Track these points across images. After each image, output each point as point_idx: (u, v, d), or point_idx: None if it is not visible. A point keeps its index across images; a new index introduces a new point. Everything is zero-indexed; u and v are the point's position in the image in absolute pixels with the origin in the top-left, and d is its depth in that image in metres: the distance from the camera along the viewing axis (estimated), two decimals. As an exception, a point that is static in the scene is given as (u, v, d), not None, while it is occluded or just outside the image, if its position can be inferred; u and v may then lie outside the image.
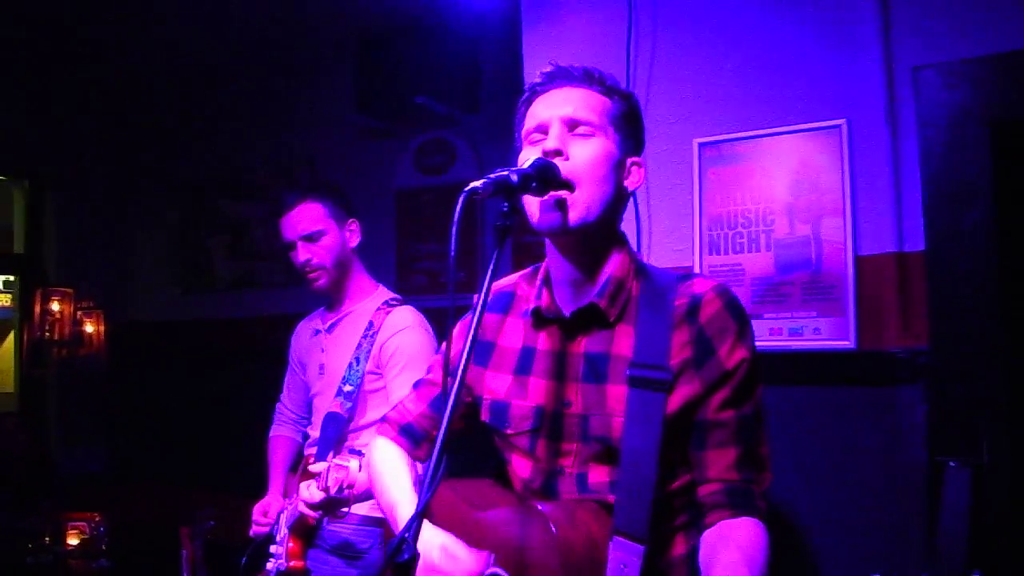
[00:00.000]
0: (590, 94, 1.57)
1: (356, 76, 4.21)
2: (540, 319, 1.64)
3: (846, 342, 2.19)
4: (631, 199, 1.68)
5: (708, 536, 1.45)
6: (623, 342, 1.54)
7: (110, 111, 5.34)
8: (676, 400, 1.48)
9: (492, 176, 1.37)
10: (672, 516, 1.53)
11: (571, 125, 1.54)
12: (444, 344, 1.77)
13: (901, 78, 2.20)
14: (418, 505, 1.11)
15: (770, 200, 2.31)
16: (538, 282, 1.66)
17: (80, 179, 5.41)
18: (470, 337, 1.28)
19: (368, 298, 2.81)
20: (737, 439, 1.49)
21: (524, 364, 1.64)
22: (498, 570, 1.50)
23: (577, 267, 1.59)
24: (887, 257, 2.18)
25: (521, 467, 1.65)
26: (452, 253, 1.26)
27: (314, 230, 2.72)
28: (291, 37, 4.54)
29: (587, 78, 1.59)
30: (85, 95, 5.20)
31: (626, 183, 1.59)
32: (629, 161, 1.60)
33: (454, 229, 1.24)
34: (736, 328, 1.51)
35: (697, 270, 2.38)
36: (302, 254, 2.73)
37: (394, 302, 2.76)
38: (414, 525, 1.10)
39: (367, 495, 2.40)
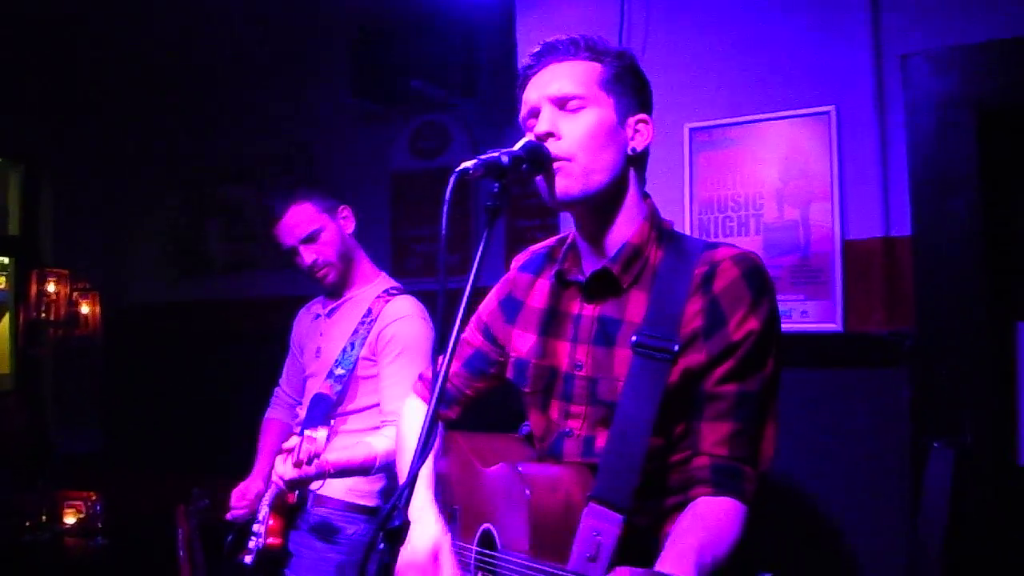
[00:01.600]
0: (577, 64, 1.55)
1: (352, 60, 4.21)
2: (563, 282, 1.65)
3: (833, 325, 2.23)
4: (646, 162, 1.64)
5: (685, 511, 1.43)
6: (636, 308, 1.52)
7: (106, 93, 5.33)
8: (679, 369, 1.45)
9: (483, 157, 1.39)
10: (672, 490, 1.51)
11: (560, 103, 1.53)
12: (462, 301, 1.81)
13: (890, 65, 2.22)
14: (409, 473, 1.14)
15: (760, 185, 2.34)
16: (566, 246, 1.67)
17: (76, 160, 5.41)
18: (460, 311, 1.31)
19: (369, 285, 2.81)
20: (734, 414, 1.44)
21: (547, 325, 1.65)
22: (489, 527, 1.55)
23: (591, 232, 1.59)
24: (874, 241, 2.21)
25: (537, 425, 1.67)
26: (443, 231, 1.27)
27: (311, 230, 2.70)
28: (288, 20, 4.54)
29: (573, 48, 1.56)
30: (81, 77, 5.19)
31: (632, 144, 1.56)
32: (633, 120, 1.57)
33: (445, 208, 1.27)
34: (751, 298, 1.46)
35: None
36: (307, 257, 2.71)
37: (394, 291, 2.75)
38: (405, 493, 1.13)
39: (342, 472, 2.44)
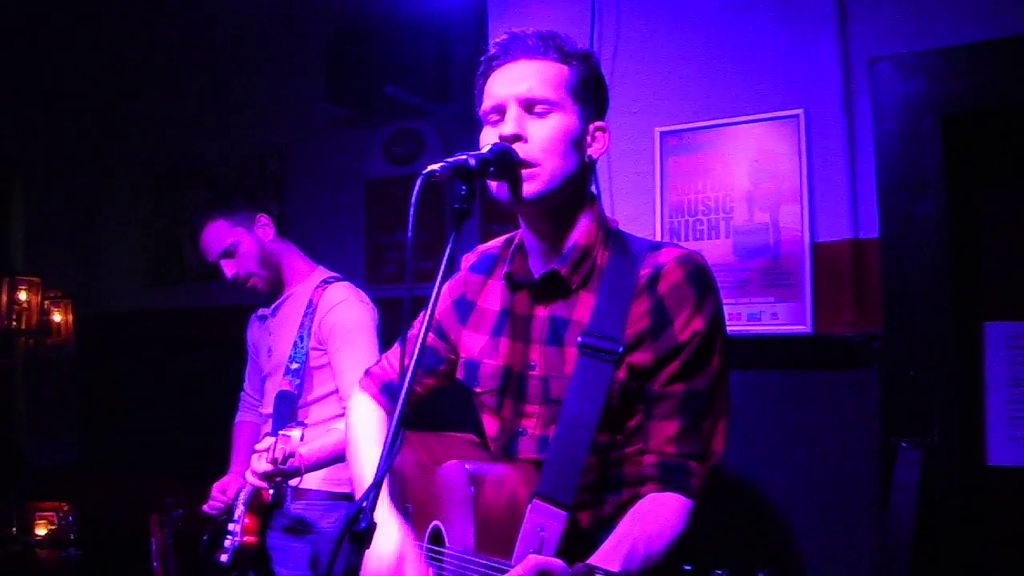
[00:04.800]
0: (546, 65, 1.55)
1: (326, 65, 4.21)
2: (512, 283, 1.67)
3: (803, 327, 2.24)
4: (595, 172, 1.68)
5: (632, 508, 1.46)
6: (583, 309, 1.55)
7: (78, 99, 5.30)
8: (627, 368, 1.49)
9: (450, 160, 1.40)
10: (630, 483, 1.53)
11: (528, 104, 1.53)
12: (430, 300, 1.82)
13: (857, 69, 2.25)
14: (376, 475, 1.14)
15: (729, 188, 2.36)
16: (513, 247, 1.69)
17: (48, 167, 5.36)
18: (429, 309, 1.33)
19: (307, 279, 2.88)
20: (680, 412, 1.48)
21: (499, 325, 1.68)
22: (439, 524, 1.57)
23: (543, 234, 1.61)
24: (843, 244, 2.23)
25: (489, 425, 1.69)
26: (410, 234, 1.29)
27: (226, 245, 2.79)
28: (261, 26, 4.53)
29: (542, 46, 1.56)
30: (53, 84, 5.15)
31: (590, 151, 1.59)
32: (592, 127, 1.59)
33: (411, 210, 1.28)
34: (695, 299, 1.49)
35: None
36: (228, 270, 2.81)
37: (331, 279, 2.84)
38: (372, 494, 1.13)
39: (317, 465, 2.48)
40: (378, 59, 3.99)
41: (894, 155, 2.17)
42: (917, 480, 1.96)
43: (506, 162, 1.48)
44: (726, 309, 2.29)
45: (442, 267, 1.34)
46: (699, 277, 1.52)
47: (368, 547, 1.11)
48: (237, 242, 2.80)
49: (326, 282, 2.81)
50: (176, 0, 4.18)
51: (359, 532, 1.08)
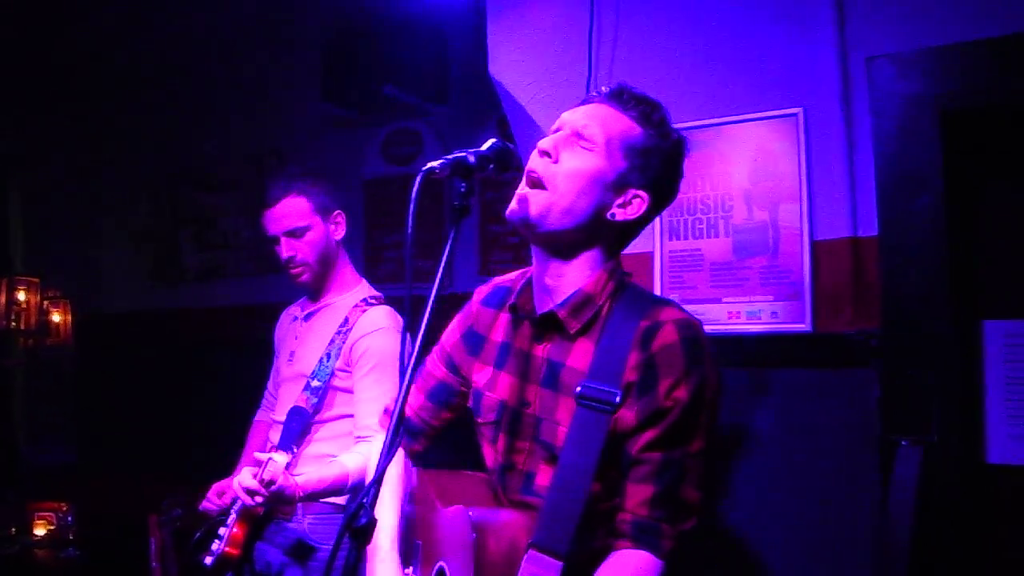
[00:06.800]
0: (615, 114, 1.57)
1: (324, 65, 4.20)
2: (516, 316, 1.68)
3: (802, 325, 2.25)
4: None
5: (605, 562, 1.47)
6: (581, 357, 1.54)
7: (77, 100, 5.30)
8: (613, 421, 1.47)
9: (450, 157, 1.42)
10: (605, 537, 1.52)
11: (578, 136, 1.54)
12: (446, 333, 1.86)
13: (856, 67, 2.25)
14: (376, 472, 1.15)
15: (729, 186, 2.36)
16: (524, 280, 1.69)
17: (46, 167, 5.36)
18: (421, 331, 1.34)
19: (349, 292, 2.79)
20: (656, 479, 1.46)
21: (501, 358, 1.69)
22: (443, 565, 1.58)
23: (546, 271, 1.60)
24: (842, 242, 2.23)
25: (488, 455, 1.71)
26: (409, 230, 1.29)
27: (298, 226, 2.68)
28: (259, 26, 4.53)
29: (630, 104, 1.58)
30: (51, 84, 5.15)
31: (614, 209, 1.55)
32: (630, 192, 1.56)
33: (411, 207, 1.29)
34: (683, 367, 1.46)
35: (657, 255, 2.43)
36: (286, 250, 2.69)
37: (373, 300, 2.73)
38: (372, 491, 1.13)
39: (314, 495, 2.44)
40: (376, 59, 3.98)
41: (893, 153, 2.18)
42: (916, 478, 1.96)
43: (504, 159, 1.50)
44: (726, 307, 2.33)
45: (441, 267, 1.35)
46: (693, 347, 1.49)
47: (368, 543, 1.12)
48: (310, 227, 2.69)
49: (367, 302, 2.70)
50: (172, 2, 4.18)
51: (359, 528, 1.08)
